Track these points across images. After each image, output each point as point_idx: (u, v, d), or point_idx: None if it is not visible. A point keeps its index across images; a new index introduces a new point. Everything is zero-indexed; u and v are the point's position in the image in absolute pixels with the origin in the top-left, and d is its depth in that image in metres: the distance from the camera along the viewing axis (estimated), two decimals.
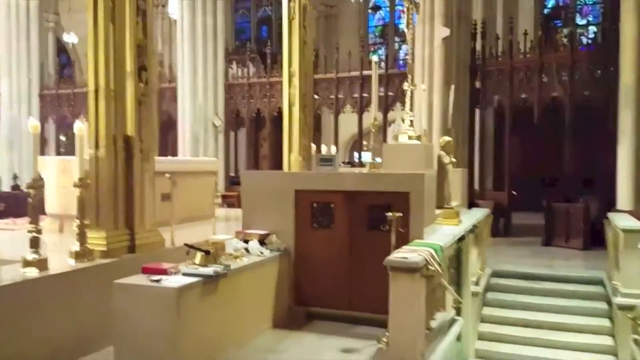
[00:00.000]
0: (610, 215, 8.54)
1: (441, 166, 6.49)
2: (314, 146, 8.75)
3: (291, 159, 8.42)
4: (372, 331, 5.20)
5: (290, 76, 8.73)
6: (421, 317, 4.51)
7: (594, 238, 10.74)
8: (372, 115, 6.05)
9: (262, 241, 5.79)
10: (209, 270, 4.64)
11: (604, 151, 11.48)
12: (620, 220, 7.51)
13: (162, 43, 18.44)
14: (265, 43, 16.50)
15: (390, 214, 4.93)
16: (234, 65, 15.81)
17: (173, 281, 4.32)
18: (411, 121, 6.41)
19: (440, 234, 5.76)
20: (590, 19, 17.58)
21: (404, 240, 5.06)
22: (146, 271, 4.51)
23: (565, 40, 13.30)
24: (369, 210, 5.53)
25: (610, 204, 10.65)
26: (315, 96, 13.03)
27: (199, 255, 4.86)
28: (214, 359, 4.56)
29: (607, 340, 7.35)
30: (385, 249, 4.77)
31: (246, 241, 5.72)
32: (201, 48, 15.15)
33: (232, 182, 15.49)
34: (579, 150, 12.27)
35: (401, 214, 5.00)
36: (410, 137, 6.26)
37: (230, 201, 12.89)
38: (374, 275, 5.14)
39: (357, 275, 5.58)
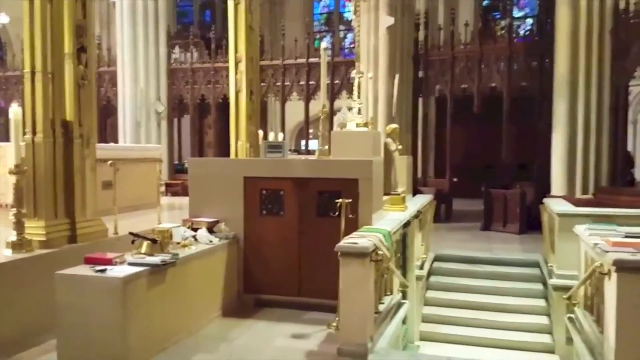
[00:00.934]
0: (546, 200, 8.91)
1: (388, 153, 6.60)
2: (261, 133, 8.66)
3: (238, 146, 8.31)
4: (322, 316, 5.27)
5: (237, 62, 8.57)
6: (370, 301, 4.59)
7: (530, 222, 11.21)
8: (321, 102, 6.05)
9: (210, 229, 5.74)
10: (157, 259, 4.55)
11: (540, 139, 11.97)
12: (555, 205, 7.86)
13: (100, 26, 17.70)
14: (209, 27, 16.13)
15: (340, 200, 4.98)
16: (177, 50, 15.38)
17: (118, 271, 4.21)
18: (359, 109, 6.47)
19: (387, 219, 5.87)
20: (527, 11, 18.24)
21: (353, 226, 5.13)
22: (89, 261, 4.38)
23: (503, 31, 13.73)
24: (319, 197, 5.57)
25: (545, 190, 11.15)
26: (262, 83, 12.88)
27: (145, 244, 4.75)
28: (164, 348, 4.49)
29: (543, 320, 7.72)
30: (335, 235, 4.83)
31: (194, 229, 5.64)
32: (142, 31, 14.64)
33: (176, 170, 15.15)
34: (517, 138, 12.76)
35: (350, 200, 5.07)
36: (358, 125, 6.31)
37: (174, 189, 12.64)
38: (323, 261, 5.20)
39: (307, 261, 5.61)
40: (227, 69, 13.05)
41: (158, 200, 7.31)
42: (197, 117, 15.46)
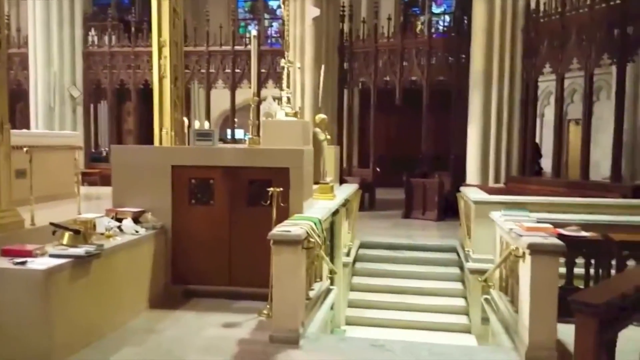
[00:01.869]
0: (462, 189, 9.40)
1: (317, 143, 6.69)
2: (186, 121, 8.46)
3: (162, 134, 8.07)
4: (252, 305, 5.30)
5: (160, 46, 8.30)
6: (302, 287, 4.68)
7: (447, 210, 11.76)
8: (252, 90, 6.03)
9: (136, 219, 5.59)
10: (80, 250, 4.40)
11: (456, 131, 12.52)
12: (471, 193, 8.32)
13: (9, 3, 16.45)
14: (128, 10, 15.49)
15: (271, 189, 5.01)
16: (92, 32, 14.61)
17: (40, 263, 4.04)
18: (288, 98, 6.50)
19: (317, 208, 5.98)
20: (445, 8, 18.94)
21: (284, 214, 5.18)
22: (7, 253, 4.17)
23: (422, 26, 14.17)
24: (249, 185, 5.56)
25: (461, 179, 11.72)
26: (186, 69, 12.55)
27: (67, 235, 4.59)
28: (89, 343, 4.34)
29: (460, 302, 8.15)
30: (266, 224, 4.87)
31: (119, 220, 5.47)
32: (56, 11, 13.77)
33: (93, 158, 14.48)
34: (435, 130, 13.28)
35: (281, 189, 5.12)
36: (287, 114, 6.35)
37: (91, 179, 12.08)
38: (254, 249, 5.24)
39: (238, 250, 5.60)
40: (148, 53, 12.59)
41: (77, 190, 6.96)
42: (116, 103, 14.81)
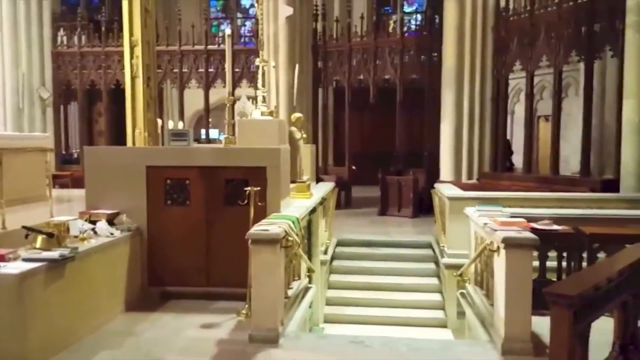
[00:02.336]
0: (437, 185, 9.51)
1: (293, 142, 6.70)
2: (160, 121, 8.37)
3: (136, 134, 7.95)
4: (230, 305, 5.28)
5: (132, 46, 8.18)
6: (281, 286, 4.68)
7: (422, 207, 11.90)
8: (227, 89, 6.01)
9: (110, 221, 5.51)
10: (54, 254, 4.33)
11: (430, 128, 12.66)
12: (446, 190, 8.43)
13: None
14: (97, 9, 15.22)
15: (248, 188, 5.01)
16: (61, 32, 14.32)
17: (12, 267, 3.97)
18: (264, 97, 6.49)
19: (295, 206, 5.99)
20: (416, 6, 19.10)
21: (261, 213, 5.18)
22: None
23: (394, 25, 14.27)
24: (226, 185, 5.54)
25: (434, 176, 11.85)
26: (158, 69, 12.39)
27: (40, 239, 4.51)
28: (65, 347, 4.27)
29: (436, 297, 8.26)
30: (243, 223, 4.86)
31: (93, 222, 5.39)
32: (23, 11, 13.47)
33: (64, 160, 14.21)
34: (410, 127, 13.42)
35: (259, 188, 5.11)
36: (263, 113, 6.34)
37: (62, 181, 11.87)
38: (232, 249, 5.22)
39: (215, 250, 5.58)
40: (119, 53, 12.43)
41: (49, 193, 6.84)
42: (87, 104, 14.55)
